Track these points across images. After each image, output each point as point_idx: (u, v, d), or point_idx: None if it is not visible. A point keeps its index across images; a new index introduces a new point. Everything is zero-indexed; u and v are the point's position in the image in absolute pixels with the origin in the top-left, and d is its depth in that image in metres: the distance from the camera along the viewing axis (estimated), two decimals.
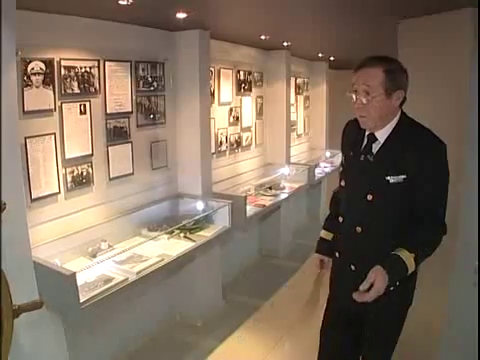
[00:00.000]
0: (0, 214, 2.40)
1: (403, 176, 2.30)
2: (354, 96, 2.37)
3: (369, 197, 2.38)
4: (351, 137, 2.63)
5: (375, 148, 2.43)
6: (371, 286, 2.13)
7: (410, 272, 2.25)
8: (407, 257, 2.22)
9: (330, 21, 4.32)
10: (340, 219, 2.61)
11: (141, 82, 4.36)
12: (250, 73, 6.34)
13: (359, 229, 2.45)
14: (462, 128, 3.20)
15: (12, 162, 2.90)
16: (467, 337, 3.29)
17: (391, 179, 2.31)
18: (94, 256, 3.68)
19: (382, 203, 2.37)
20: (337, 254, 2.67)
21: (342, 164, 2.70)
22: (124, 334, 4.22)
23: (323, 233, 2.91)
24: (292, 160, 7.23)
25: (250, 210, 5.31)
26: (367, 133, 2.48)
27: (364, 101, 2.32)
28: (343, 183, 2.61)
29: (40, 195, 3.43)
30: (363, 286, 2.14)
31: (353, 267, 2.50)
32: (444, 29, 3.42)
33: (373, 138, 2.43)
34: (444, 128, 3.19)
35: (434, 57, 3.56)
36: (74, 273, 2.98)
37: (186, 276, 4.80)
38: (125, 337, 4.24)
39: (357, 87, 2.35)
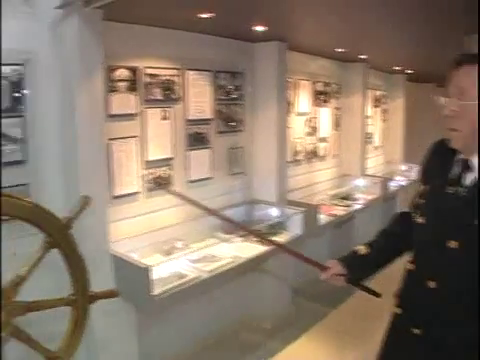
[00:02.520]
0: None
1: None
2: (443, 100, 1.79)
3: (451, 244, 1.77)
4: (438, 163, 1.98)
5: (469, 179, 1.80)
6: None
7: None
8: None
9: (402, 36, 4.28)
10: (410, 266, 2.01)
11: (221, 91, 4.42)
12: (328, 85, 6.30)
13: (432, 284, 1.84)
14: None
15: (97, 161, 3.08)
16: None
17: None
18: (169, 254, 3.74)
19: (467, 253, 1.74)
20: (399, 310, 2.06)
21: (421, 195, 2.02)
22: (193, 330, 4.26)
23: (360, 245, 2.27)
24: (368, 172, 7.09)
25: (323, 219, 5.25)
26: (459, 158, 1.86)
27: (456, 107, 1.73)
28: (421, 220, 1.95)
29: (122, 193, 3.57)
30: None
31: (417, 331, 1.91)
32: None
33: (466, 166, 1.81)
34: None
35: None
36: (149, 267, 3.08)
37: (258, 278, 4.79)
38: (194, 333, 4.28)
39: (450, 90, 1.77)
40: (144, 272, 3.07)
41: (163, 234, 3.82)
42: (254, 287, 4.83)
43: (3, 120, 2.86)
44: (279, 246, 3.08)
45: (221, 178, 4.52)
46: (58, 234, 2.55)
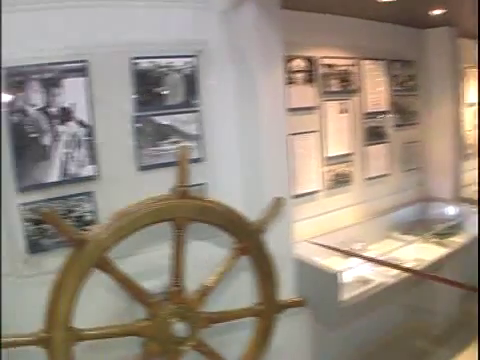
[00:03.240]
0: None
1: None
2: None
3: None
4: None
5: None
6: None
7: None
8: None
9: None
10: None
11: (394, 81, 3.94)
12: None
13: None
14: None
15: (279, 158, 2.73)
16: None
17: None
18: (348, 256, 3.30)
19: None
20: None
21: None
22: (362, 335, 3.81)
23: None
24: None
25: None
26: None
27: None
28: None
29: (302, 192, 3.24)
30: None
31: None
32: None
33: None
34: None
35: None
36: (338, 272, 2.70)
37: (428, 281, 4.22)
38: (363, 338, 3.83)
39: None
40: (332, 278, 2.68)
41: (340, 234, 3.44)
42: (425, 291, 4.21)
43: (178, 116, 2.57)
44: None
45: (395, 174, 4.05)
46: (250, 240, 2.18)
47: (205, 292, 2.16)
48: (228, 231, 2.15)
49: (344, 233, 3.46)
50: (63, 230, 1.79)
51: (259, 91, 2.61)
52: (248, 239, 2.17)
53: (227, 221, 2.11)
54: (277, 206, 2.25)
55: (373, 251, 3.42)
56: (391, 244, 3.60)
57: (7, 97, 2.13)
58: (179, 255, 2.03)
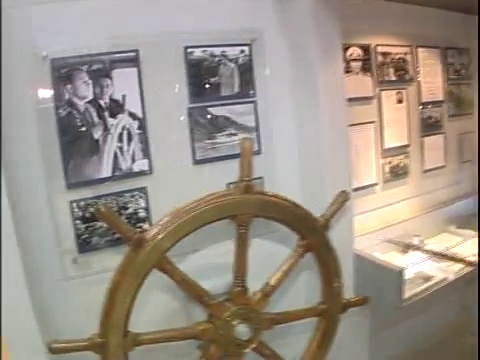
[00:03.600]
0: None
1: None
2: None
3: None
4: None
5: None
6: None
7: None
8: None
9: None
10: None
11: (450, 70, 3.65)
12: None
13: None
14: None
15: (339, 150, 2.52)
16: None
17: None
18: (406, 251, 3.11)
19: None
20: None
21: None
22: (416, 332, 3.59)
23: None
24: None
25: None
26: None
27: None
28: None
29: (359, 185, 3.01)
30: None
31: None
32: None
33: None
34: None
35: None
36: (402, 269, 2.47)
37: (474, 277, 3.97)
38: (416, 335, 3.60)
39: None
40: (397, 275, 2.46)
41: (398, 229, 3.20)
42: (472, 287, 3.99)
43: (233, 107, 2.37)
44: None
45: (451, 166, 3.79)
46: (315, 236, 1.96)
47: (268, 292, 1.94)
48: (292, 227, 1.93)
49: (401, 227, 3.23)
50: (120, 229, 1.60)
51: (318, 81, 2.40)
52: (313, 235, 1.95)
53: (291, 216, 1.89)
54: (342, 200, 2.02)
55: (430, 245, 3.17)
56: (447, 238, 3.37)
57: (53, 90, 1.97)
58: (242, 254, 1.82)
